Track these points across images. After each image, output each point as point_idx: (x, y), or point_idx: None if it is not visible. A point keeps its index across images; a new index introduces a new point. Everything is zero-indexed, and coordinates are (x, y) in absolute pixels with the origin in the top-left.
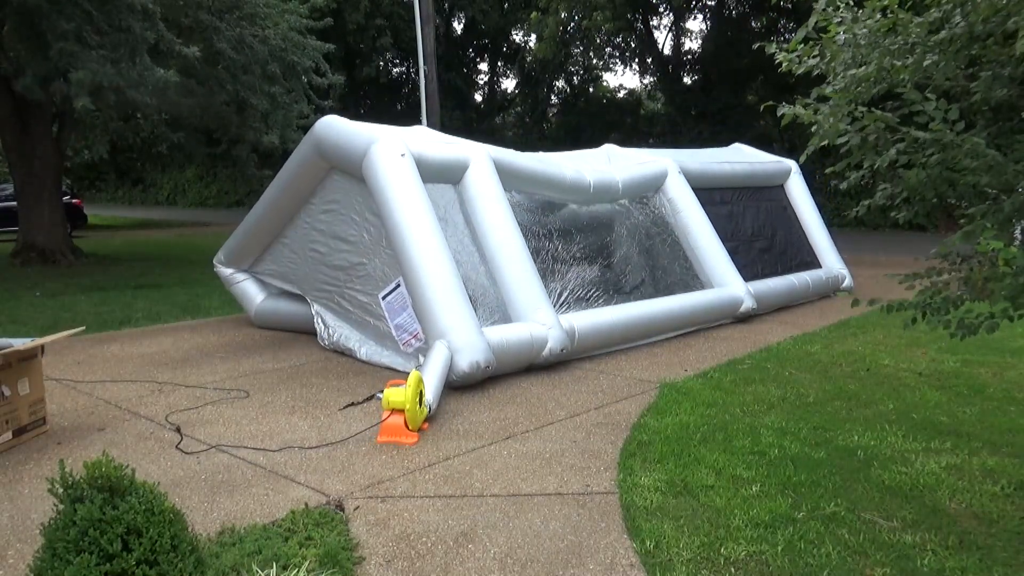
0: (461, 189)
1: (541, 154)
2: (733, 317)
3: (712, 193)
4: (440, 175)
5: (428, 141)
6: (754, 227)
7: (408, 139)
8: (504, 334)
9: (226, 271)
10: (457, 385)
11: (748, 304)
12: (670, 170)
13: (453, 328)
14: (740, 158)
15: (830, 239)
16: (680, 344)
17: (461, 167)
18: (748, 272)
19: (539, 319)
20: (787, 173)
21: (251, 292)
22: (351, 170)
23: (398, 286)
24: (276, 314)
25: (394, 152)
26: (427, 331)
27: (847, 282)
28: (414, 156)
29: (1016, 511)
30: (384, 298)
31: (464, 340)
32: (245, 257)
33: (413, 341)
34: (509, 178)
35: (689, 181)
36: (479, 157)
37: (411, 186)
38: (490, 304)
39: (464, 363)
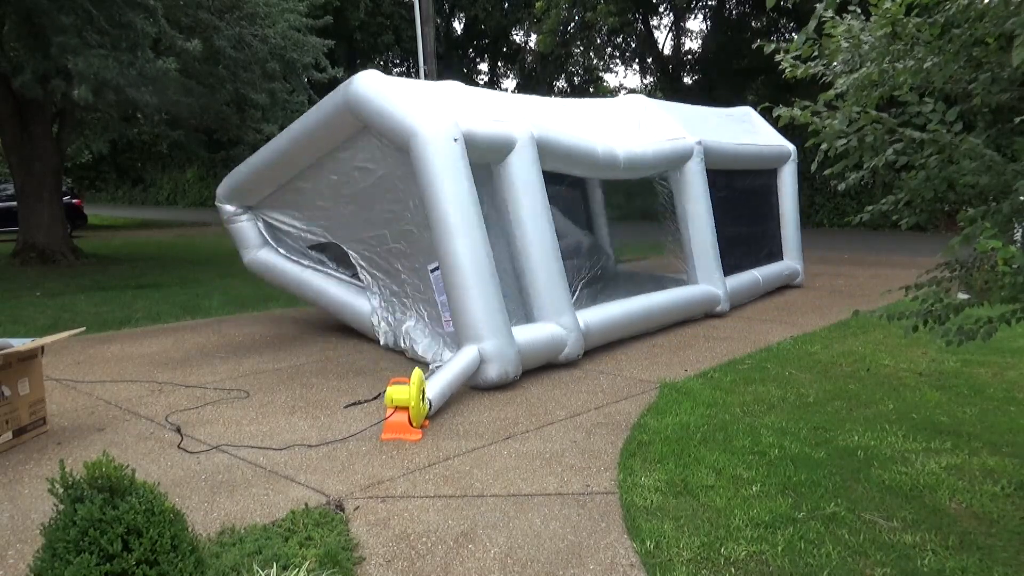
0: (501, 168)
1: (564, 100)
2: (706, 314)
3: (717, 176)
4: (484, 155)
5: (476, 116)
6: (741, 214)
7: (457, 114)
8: (530, 335)
9: (229, 208)
10: (481, 388)
11: (723, 306)
12: (695, 154)
13: (489, 337)
14: (749, 131)
15: (798, 233)
16: (680, 344)
17: (506, 148)
18: (724, 264)
19: (562, 323)
20: (787, 157)
21: (249, 237)
22: (395, 141)
23: None
24: (269, 269)
25: (447, 136)
26: (461, 331)
27: (799, 279)
28: (464, 135)
29: (1016, 511)
30: (433, 272)
31: (498, 351)
32: (251, 195)
33: None
34: (547, 157)
35: (707, 160)
36: (524, 138)
37: (462, 180)
38: (514, 300)
39: (494, 373)
